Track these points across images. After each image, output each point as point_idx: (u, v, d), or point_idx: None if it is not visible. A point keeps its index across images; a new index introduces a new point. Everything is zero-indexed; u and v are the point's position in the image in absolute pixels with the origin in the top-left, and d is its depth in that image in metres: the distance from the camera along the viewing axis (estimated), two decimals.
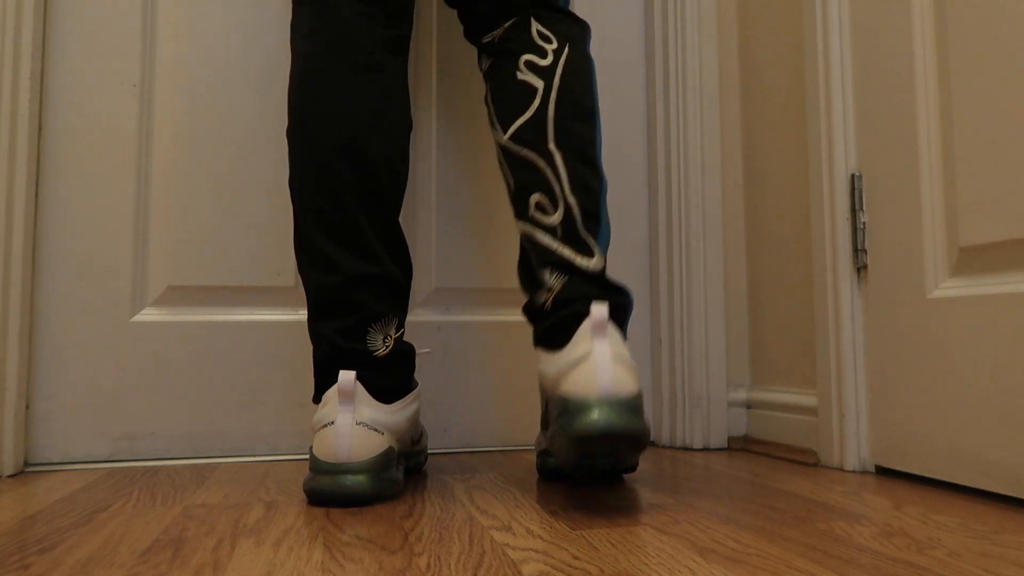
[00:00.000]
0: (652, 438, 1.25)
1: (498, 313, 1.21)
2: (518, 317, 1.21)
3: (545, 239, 0.81)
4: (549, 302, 0.79)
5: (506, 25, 0.91)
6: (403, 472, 0.86)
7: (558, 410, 0.71)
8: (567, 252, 0.80)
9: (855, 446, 0.97)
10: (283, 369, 1.12)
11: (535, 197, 0.82)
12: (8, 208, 1.00)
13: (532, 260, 0.83)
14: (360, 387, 0.79)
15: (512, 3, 0.91)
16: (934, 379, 0.86)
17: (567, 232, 0.81)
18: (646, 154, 1.29)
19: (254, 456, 1.10)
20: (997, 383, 0.78)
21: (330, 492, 0.76)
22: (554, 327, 0.77)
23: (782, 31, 1.16)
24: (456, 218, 1.20)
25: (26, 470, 1.01)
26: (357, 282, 0.81)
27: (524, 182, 0.84)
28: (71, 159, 1.08)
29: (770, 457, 1.09)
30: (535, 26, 0.89)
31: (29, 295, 1.03)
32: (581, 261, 0.80)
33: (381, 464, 0.78)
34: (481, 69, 0.95)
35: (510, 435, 1.19)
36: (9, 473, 0.97)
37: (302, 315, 1.14)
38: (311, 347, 1.13)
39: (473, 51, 1.22)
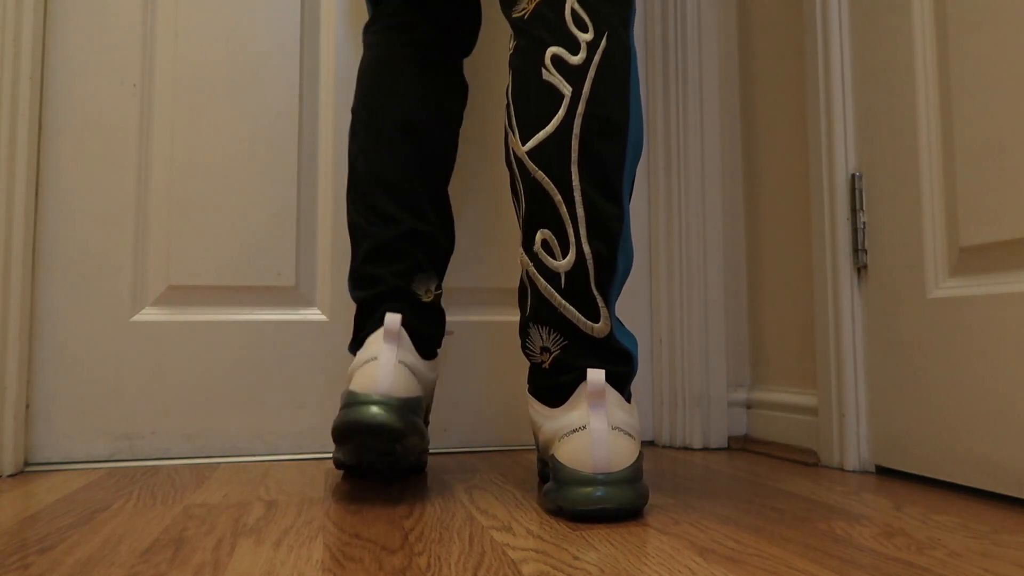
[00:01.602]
0: (652, 438, 1.25)
1: (498, 313, 1.21)
2: (517, 317, 1.21)
3: (547, 288, 0.74)
4: (547, 363, 0.75)
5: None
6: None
7: (553, 474, 0.72)
8: (571, 312, 0.73)
9: (855, 446, 0.97)
10: (283, 369, 1.12)
11: (543, 234, 0.75)
12: (8, 208, 1.00)
13: (528, 307, 0.77)
14: (404, 333, 0.81)
15: None
16: (934, 379, 0.86)
17: (575, 286, 0.73)
18: (646, 154, 1.29)
19: (254, 456, 1.10)
20: (997, 383, 0.78)
21: (359, 421, 0.74)
22: (550, 388, 0.75)
23: (782, 31, 1.16)
24: (456, 218, 1.20)
25: (26, 470, 1.01)
26: (412, 236, 0.87)
27: (533, 211, 0.76)
28: (71, 159, 1.08)
29: (770, 457, 1.09)
30: (570, 5, 0.78)
31: (29, 295, 1.03)
32: (585, 325, 0.73)
33: (413, 406, 0.78)
34: (509, 49, 0.85)
35: (510, 435, 1.19)
36: (9, 473, 0.97)
37: (302, 315, 1.14)
38: (318, 347, 1.13)
39: (479, 42, 1.22)
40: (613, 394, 0.71)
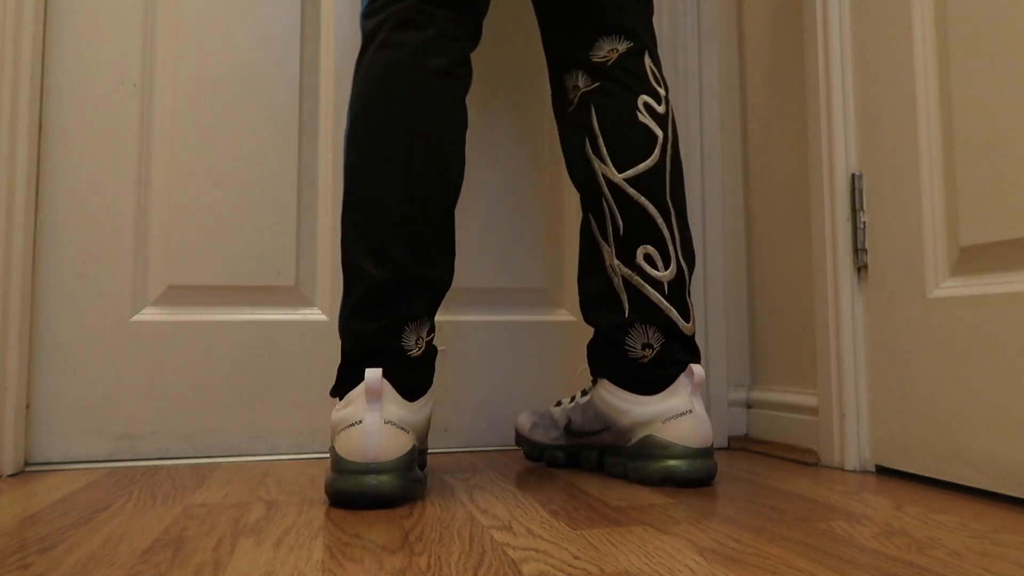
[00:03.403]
0: None
1: (498, 313, 1.21)
2: (517, 317, 1.21)
3: (653, 294, 0.89)
4: (648, 359, 0.88)
5: (621, 50, 0.92)
6: (424, 471, 0.87)
7: (652, 449, 0.86)
8: (673, 314, 0.89)
9: (855, 446, 0.97)
10: (283, 369, 1.12)
11: (645, 249, 0.89)
12: (8, 208, 1.00)
13: (628, 309, 0.89)
14: (387, 385, 0.77)
15: (627, 28, 0.93)
16: (934, 379, 0.86)
17: (675, 293, 0.89)
18: None
19: (254, 456, 1.10)
20: (997, 383, 0.78)
21: (357, 493, 0.74)
22: (650, 379, 0.88)
23: (782, 31, 1.16)
24: (458, 219, 1.20)
25: (26, 470, 1.01)
26: (407, 283, 0.80)
27: (636, 230, 0.89)
28: (71, 159, 1.08)
29: (770, 457, 1.09)
30: (648, 62, 0.94)
31: (29, 295, 1.03)
32: (684, 326, 0.89)
33: (407, 464, 0.77)
34: (573, 84, 0.95)
35: (510, 435, 1.19)
36: (9, 473, 0.97)
37: (302, 315, 1.14)
38: (318, 347, 1.13)
39: (488, 48, 1.22)
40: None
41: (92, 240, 1.08)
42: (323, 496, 0.82)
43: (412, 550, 0.60)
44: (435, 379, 1.17)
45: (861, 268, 0.98)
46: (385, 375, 0.78)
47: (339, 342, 1.13)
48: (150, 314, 1.09)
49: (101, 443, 1.06)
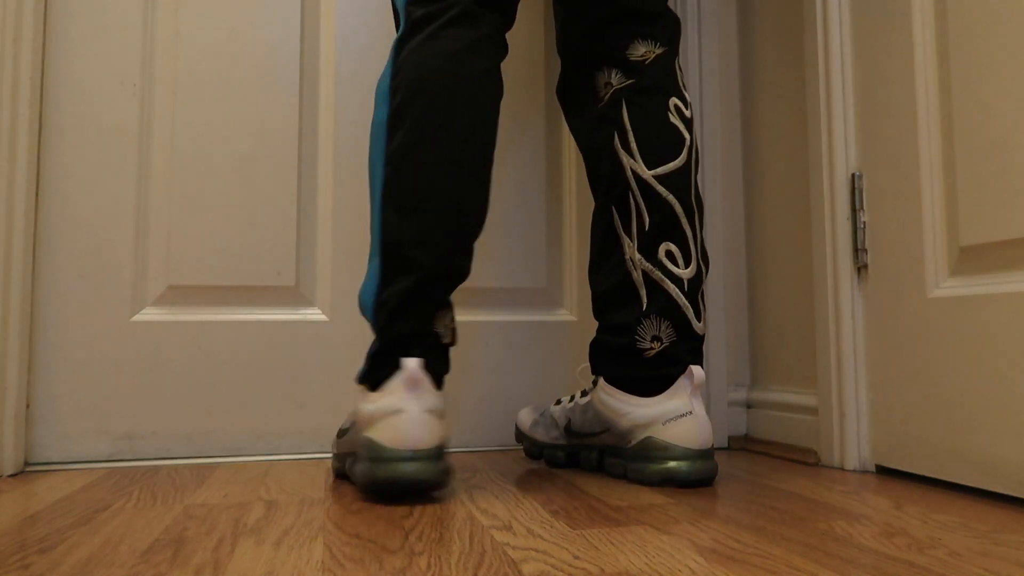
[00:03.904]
0: None
1: (498, 313, 1.21)
2: (517, 317, 1.21)
3: (673, 289, 0.90)
4: (653, 352, 0.89)
5: (657, 52, 0.94)
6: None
7: (652, 451, 0.87)
8: (689, 311, 0.90)
9: (855, 446, 0.97)
10: (283, 369, 1.12)
11: (668, 246, 0.90)
12: (8, 208, 1.00)
13: (645, 302, 0.90)
14: (426, 377, 0.79)
15: (663, 37, 0.95)
16: (934, 379, 0.86)
17: (692, 291, 0.90)
18: None
19: (254, 456, 1.10)
20: (997, 382, 0.78)
21: (398, 480, 0.75)
22: (650, 378, 0.89)
23: (782, 31, 1.16)
24: None
25: (26, 470, 1.01)
26: (447, 271, 0.82)
27: (660, 226, 0.90)
28: (71, 159, 1.08)
29: (770, 457, 1.09)
30: (678, 68, 0.96)
31: (29, 295, 1.03)
32: (696, 324, 0.90)
33: (442, 451, 0.79)
34: (606, 82, 0.95)
35: (510, 435, 1.19)
36: (10, 473, 0.97)
37: (302, 315, 1.14)
38: (318, 347, 1.13)
39: None
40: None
41: (92, 240, 1.08)
42: (323, 496, 0.82)
43: (412, 550, 0.60)
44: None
45: (861, 268, 0.98)
46: (422, 365, 0.79)
47: (337, 342, 1.13)
48: (150, 314, 1.09)
49: (101, 443, 1.06)
